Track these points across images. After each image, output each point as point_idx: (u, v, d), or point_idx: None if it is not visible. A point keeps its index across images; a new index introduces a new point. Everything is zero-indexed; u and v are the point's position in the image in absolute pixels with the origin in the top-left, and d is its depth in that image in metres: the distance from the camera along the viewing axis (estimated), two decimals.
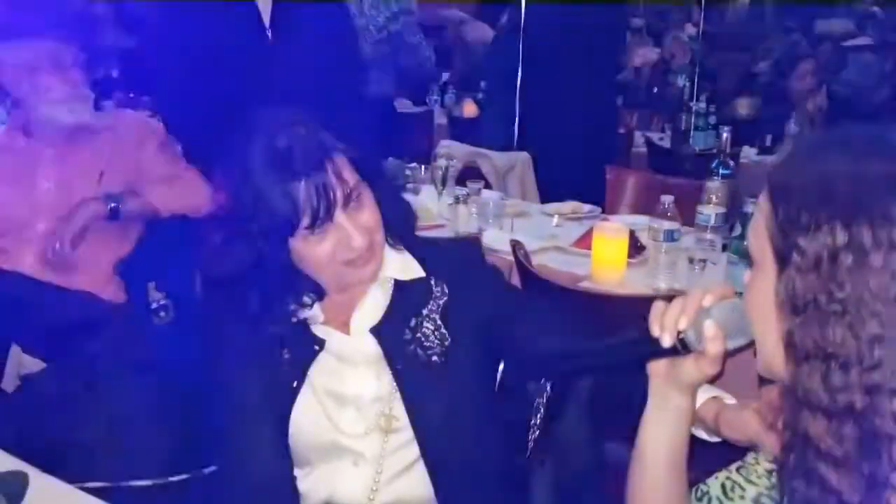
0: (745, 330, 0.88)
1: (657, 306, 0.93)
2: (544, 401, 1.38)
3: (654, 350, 0.93)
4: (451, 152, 3.70)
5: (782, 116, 4.90)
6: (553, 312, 1.42)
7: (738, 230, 2.10)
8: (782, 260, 0.79)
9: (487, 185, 3.59)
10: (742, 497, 0.99)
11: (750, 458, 1.03)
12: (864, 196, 0.75)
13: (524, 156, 3.65)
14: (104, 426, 1.88)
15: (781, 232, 0.79)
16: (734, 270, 2.10)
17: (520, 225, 2.87)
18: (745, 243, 0.90)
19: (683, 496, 1.01)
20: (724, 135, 2.62)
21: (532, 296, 1.48)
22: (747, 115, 5.14)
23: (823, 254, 0.76)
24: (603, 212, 3.10)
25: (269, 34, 2.39)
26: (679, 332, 0.91)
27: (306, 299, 1.32)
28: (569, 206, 3.09)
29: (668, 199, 2.28)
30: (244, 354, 1.34)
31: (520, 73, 3.98)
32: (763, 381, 0.95)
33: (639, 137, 4.98)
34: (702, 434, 1.23)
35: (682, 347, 0.91)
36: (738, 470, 1.02)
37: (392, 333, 1.34)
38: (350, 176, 1.24)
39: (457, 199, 2.79)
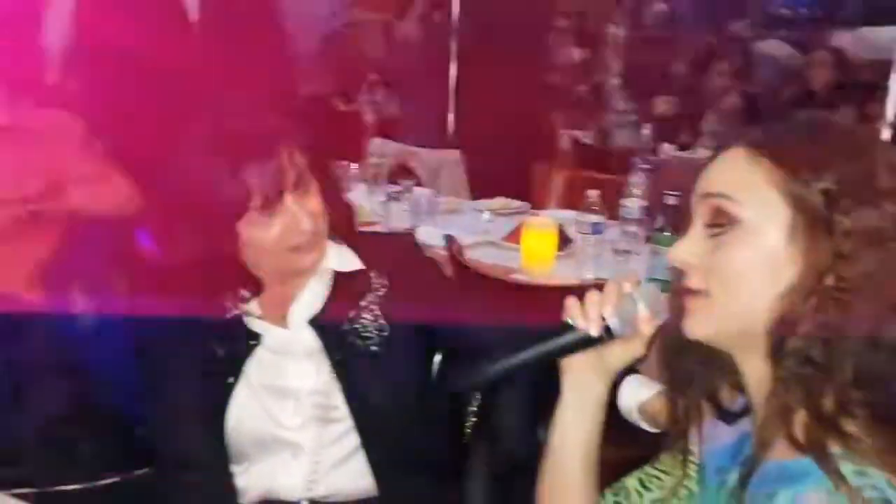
0: (662, 310, 0.93)
1: (572, 300, 0.96)
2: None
3: (579, 341, 0.95)
4: (383, 150, 3.73)
5: (698, 114, 5.09)
6: (486, 305, 1.46)
7: (660, 222, 2.19)
8: (805, 208, 0.79)
9: (419, 183, 3.64)
10: (661, 488, 1.04)
11: (662, 455, 1.06)
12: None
13: (455, 153, 3.70)
14: (31, 431, 1.83)
15: (797, 179, 0.79)
16: (656, 260, 2.19)
17: (452, 221, 2.92)
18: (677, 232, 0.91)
19: (595, 480, 1.03)
20: (646, 132, 2.71)
21: (466, 288, 1.51)
22: (665, 113, 5.32)
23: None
24: (532, 207, 3.17)
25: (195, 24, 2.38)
26: (603, 320, 0.94)
27: (243, 293, 1.32)
28: (498, 202, 3.15)
29: (593, 194, 2.36)
30: (176, 352, 1.33)
31: (452, 72, 4.04)
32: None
33: (564, 135, 5.09)
34: (644, 425, 1.28)
35: (607, 335, 0.94)
36: (652, 464, 1.07)
37: (330, 325, 1.35)
38: (300, 161, 1.25)
39: (389, 197, 2.82)
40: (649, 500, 1.05)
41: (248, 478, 1.36)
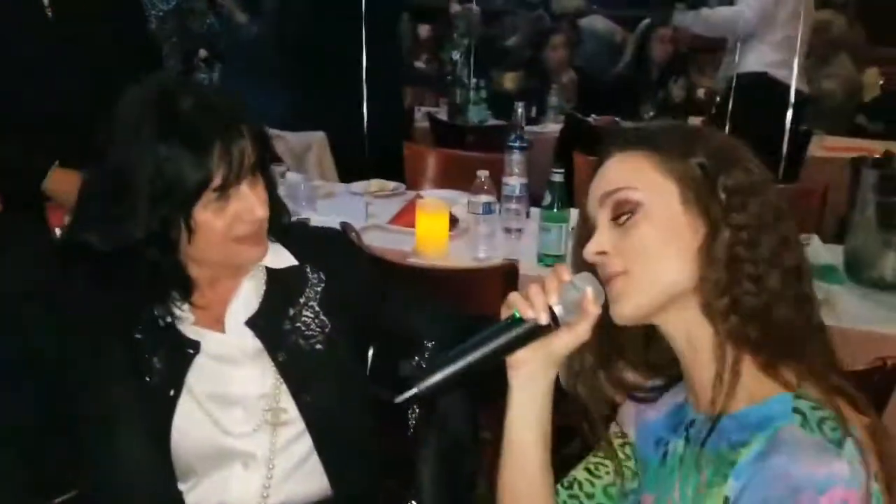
0: (601, 291, 0.97)
1: (515, 295, 0.98)
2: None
3: (528, 332, 0.97)
4: None
5: (543, 89, 5.30)
6: (421, 296, 1.48)
7: (548, 199, 2.28)
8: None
9: (280, 161, 3.54)
10: (608, 473, 1.10)
11: (603, 443, 1.11)
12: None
13: (320, 135, 3.63)
14: None
15: (674, 158, 0.94)
16: (547, 237, 2.28)
17: (331, 206, 2.87)
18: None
19: (552, 475, 1.07)
20: (519, 110, 2.80)
21: (399, 278, 1.52)
22: (513, 89, 5.49)
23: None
24: (407, 188, 3.19)
25: (50, 13, 2.18)
26: (549, 309, 0.97)
27: (175, 296, 1.26)
28: (375, 184, 3.14)
29: (483, 174, 2.41)
30: (109, 365, 1.25)
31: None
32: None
33: (420, 113, 5.13)
34: None
35: (554, 324, 0.97)
36: (594, 453, 1.13)
37: (270, 325, 1.32)
38: (256, 145, 1.21)
39: None
40: (601, 486, 1.11)
41: (197, 494, 1.30)
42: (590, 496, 1.10)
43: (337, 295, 1.36)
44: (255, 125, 1.23)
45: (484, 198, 2.31)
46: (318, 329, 1.34)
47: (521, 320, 0.97)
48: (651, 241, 0.92)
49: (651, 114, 4.82)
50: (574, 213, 2.58)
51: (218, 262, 1.26)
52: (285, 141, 3.54)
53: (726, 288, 0.90)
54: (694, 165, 0.93)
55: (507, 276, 1.89)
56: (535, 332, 0.97)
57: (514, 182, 2.62)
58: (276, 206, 1.31)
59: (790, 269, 0.91)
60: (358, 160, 3.61)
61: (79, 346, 1.25)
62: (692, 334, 0.94)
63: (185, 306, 1.27)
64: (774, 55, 3.99)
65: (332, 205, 2.90)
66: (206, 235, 1.20)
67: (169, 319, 1.26)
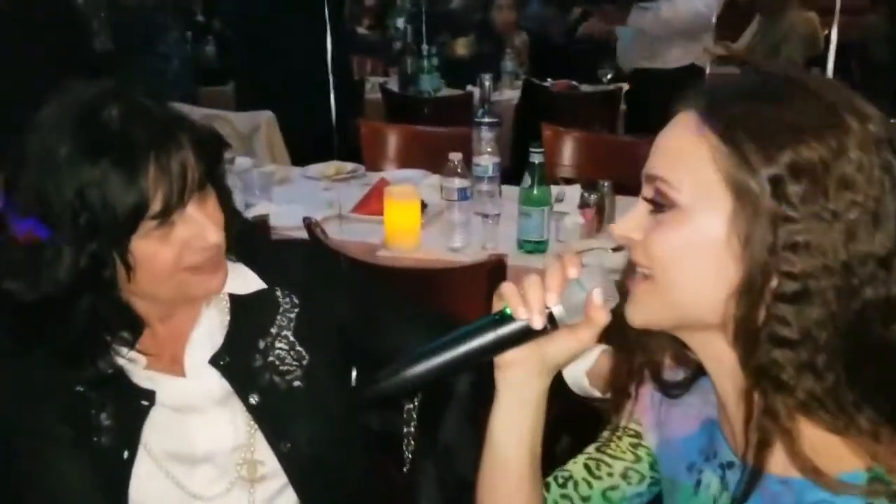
0: (614, 291, 0.82)
1: (508, 287, 0.83)
2: (415, 406, 1.26)
3: (518, 333, 0.82)
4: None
5: (496, 54, 5.10)
6: (406, 307, 1.30)
7: (527, 181, 2.12)
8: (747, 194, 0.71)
9: (227, 146, 3.30)
10: (610, 475, 0.98)
11: (606, 435, 1.01)
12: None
13: (268, 115, 3.39)
14: None
15: (745, 162, 0.71)
16: (528, 222, 2.12)
17: (289, 194, 2.67)
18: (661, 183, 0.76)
19: (539, 479, 0.95)
20: (486, 83, 2.62)
21: (387, 289, 1.32)
22: (466, 55, 5.29)
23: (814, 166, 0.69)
24: (366, 169, 2.99)
25: None
26: (546, 309, 0.82)
27: (123, 339, 1.05)
28: (332, 166, 2.94)
29: (456, 157, 2.23)
30: (50, 429, 1.05)
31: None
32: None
33: (370, 84, 4.90)
34: (595, 392, 1.20)
35: (550, 325, 0.82)
36: (597, 449, 1.00)
37: (239, 362, 1.12)
38: (201, 155, 1.00)
39: None
40: (600, 489, 0.98)
41: None
42: (585, 499, 0.98)
43: (313, 320, 1.18)
44: (198, 129, 1.02)
45: (458, 182, 2.13)
46: (294, 363, 1.15)
47: (511, 318, 0.81)
48: (676, 254, 0.75)
49: (609, 76, 4.66)
50: (555, 191, 2.43)
51: (168, 297, 1.06)
52: (230, 122, 3.29)
53: (763, 340, 0.72)
54: (764, 179, 0.70)
55: (494, 273, 1.72)
56: (527, 335, 0.82)
57: (486, 162, 2.45)
58: (234, 221, 1.10)
59: (859, 324, 0.70)
60: (309, 140, 3.39)
61: (12, 415, 1.06)
62: (722, 363, 0.78)
63: (132, 353, 1.07)
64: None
65: (288, 192, 2.69)
66: (150, 269, 1.00)
67: (117, 365, 1.06)
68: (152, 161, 0.95)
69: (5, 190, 1.00)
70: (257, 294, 1.16)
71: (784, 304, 0.70)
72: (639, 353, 0.88)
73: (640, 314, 0.80)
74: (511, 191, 2.56)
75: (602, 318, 0.81)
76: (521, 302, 0.81)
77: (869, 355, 0.71)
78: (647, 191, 0.78)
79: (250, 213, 2.21)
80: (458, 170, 2.19)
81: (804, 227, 0.69)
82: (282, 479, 1.13)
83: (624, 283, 0.82)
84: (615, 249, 2.15)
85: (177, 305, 1.10)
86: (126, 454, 1.06)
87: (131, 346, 1.06)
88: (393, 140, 3.20)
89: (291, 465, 1.12)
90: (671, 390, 0.91)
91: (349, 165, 2.96)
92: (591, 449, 1.01)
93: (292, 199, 2.58)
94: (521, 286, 0.82)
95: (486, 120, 2.56)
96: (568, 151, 3.12)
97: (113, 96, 0.98)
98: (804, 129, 0.70)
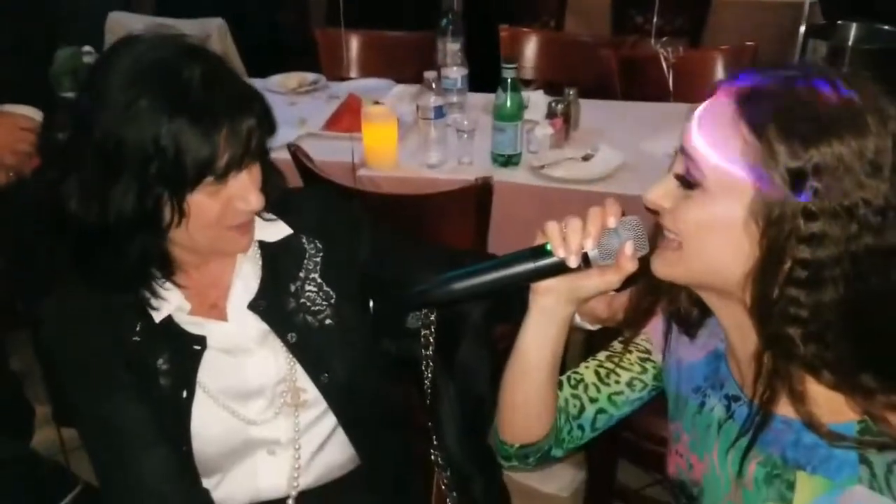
0: (645, 243, 0.93)
1: (552, 226, 0.93)
2: (432, 332, 1.37)
3: (554, 267, 0.93)
4: (127, 26, 3.18)
5: None
6: (414, 238, 1.38)
7: (500, 96, 2.16)
8: (765, 180, 0.77)
9: None
10: (617, 382, 1.11)
11: (617, 346, 1.14)
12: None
13: (219, 22, 3.26)
14: None
15: (772, 157, 0.77)
16: (501, 136, 2.19)
17: None
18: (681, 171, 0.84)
19: (555, 386, 1.07)
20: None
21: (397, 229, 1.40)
22: None
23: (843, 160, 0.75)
24: (327, 78, 2.96)
25: None
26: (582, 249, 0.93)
27: (159, 275, 1.14)
28: (293, 78, 2.90)
29: (431, 76, 2.24)
30: (113, 377, 1.13)
31: None
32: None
33: None
34: (585, 325, 1.33)
35: (584, 265, 0.93)
36: (608, 358, 1.13)
37: (275, 306, 1.21)
38: (264, 125, 1.08)
39: None
40: (607, 394, 1.12)
41: (224, 489, 1.23)
42: (593, 400, 1.11)
43: (336, 262, 1.26)
44: (264, 101, 1.09)
45: (434, 100, 2.16)
46: (324, 302, 1.24)
47: (550, 253, 0.92)
48: (698, 230, 0.84)
49: None
50: (533, 98, 2.48)
51: (203, 247, 1.14)
52: (178, 31, 3.17)
53: (776, 315, 0.80)
54: (786, 171, 0.76)
55: (482, 195, 1.81)
56: (562, 269, 0.93)
57: (455, 75, 2.48)
58: (271, 180, 1.16)
59: (866, 306, 0.79)
60: (262, 46, 3.30)
61: (82, 358, 1.14)
62: (738, 322, 0.88)
63: (175, 292, 1.15)
64: None
65: None
66: (196, 220, 1.07)
67: (163, 313, 1.14)
68: (226, 124, 1.01)
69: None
70: (285, 242, 1.24)
71: (796, 288, 0.78)
72: (663, 294, 1.00)
73: (665, 270, 0.90)
74: (473, 97, 2.61)
75: (630, 266, 0.92)
76: (562, 242, 0.91)
77: (874, 331, 0.80)
78: (678, 166, 0.86)
79: None
80: (433, 86, 2.21)
81: (820, 222, 0.76)
82: (322, 405, 1.24)
83: (654, 237, 0.92)
84: (585, 158, 2.26)
85: (209, 256, 1.18)
86: (185, 394, 1.15)
87: (166, 280, 1.14)
88: (352, 47, 3.15)
89: (329, 393, 1.23)
90: (689, 328, 1.02)
91: (310, 76, 2.92)
92: (602, 356, 1.14)
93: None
94: (564, 224, 0.92)
95: (451, 28, 2.56)
96: (527, 53, 3.14)
97: (193, 56, 1.03)
98: (828, 130, 0.76)
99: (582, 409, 1.11)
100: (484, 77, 2.59)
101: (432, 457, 1.36)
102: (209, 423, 1.18)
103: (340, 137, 2.36)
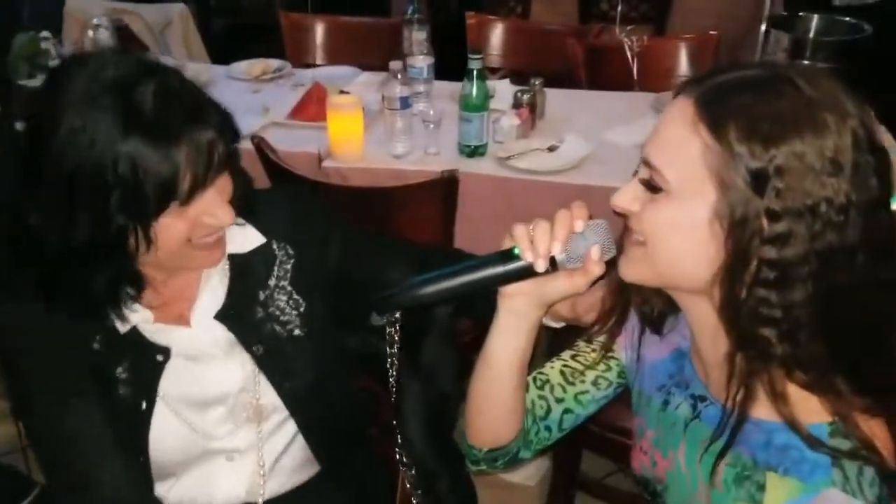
0: (612, 246, 0.94)
1: (520, 230, 0.93)
2: (396, 329, 1.36)
3: (522, 271, 0.93)
4: (86, 11, 3.11)
5: None
6: (385, 236, 1.37)
7: (466, 87, 2.15)
8: (728, 186, 0.78)
9: (143, 48, 3.14)
10: (583, 381, 1.12)
11: (582, 345, 1.14)
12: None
13: (180, 7, 3.20)
14: None
15: (732, 159, 0.78)
16: (468, 127, 2.18)
17: (218, 99, 2.57)
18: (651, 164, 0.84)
19: (524, 390, 1.07)
20: None
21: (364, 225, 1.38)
22: None
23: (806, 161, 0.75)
24: (293, 65, 2.92)
25: None
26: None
27: (128, 294, 1.10)
28: (257, 65, 2.85)
29: (396, 66, 2.22)
30: (70, 383, 1.10)
31: None
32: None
33: None
34: (549, 323, 1.33)
35: (551, 268, 0.92)
36: (573, 357, 1.14)
37: (242, 317, 1.19)
38: (223, 136, 1.03)
39: None
40: (573, 393, 1.12)
41: (178, 492, 1.21)
42: (559, 400, 1.12)
43: (307, 268, 1.24)
44: (221, 109, 1.05)
45: (400, 90, 2.14)
46: (293, 311, 1.22)
47: (518, 257, 0.92)
48: (663, 234, 0.84)
49: None
50: (499, 88, 2.47)
51: (172, 266, 1.11)
52: (140, 17, 3.11)
53: (746, 316, 0.80)
54: (748, 172, 0.77)
55: (448, 188, 1.80)
56: (530, 273, 0.93)
57: (421, 64, 2.46)
58: (240, 186, 1.12)
59: (835, 304, 0.79)
60: (227, 31, 3.24)
61: (36, 368, 1.11)
62: (707, 323, 0.88)
63: (138, 307, 1.12)
64: None
65: (216, 97, 2.55)
66: (164, 243, 1.03)
67: (127, 325, 1.11)
68: (185, 140, 0.96)
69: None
70: (256, 248, 1.21)
71: (766, 289, 0.78)
72: (634, 294, 1.00)
73: (632, 273, 0.91)
74: (439, 86, 2.59)
75: (598, 270, 0.93)
76: (530, 246, 0.91)
77: (843, 328, 0.80)
78: (643, 172, 0.87)
79: None
80: (398, 75, 2.20)
81: (784, 222, 0.76)
82: (283, 413, 1.22)
83: (622, 240, 0.93)
84: (550, 149, 2.26)
85: (176, 272, 1.15)
86: (144, 404, 1.13)
87: (135, 300, 1.10)
88: (317, 33, 3.11)
89: (292, 402, 1.21)
90: (658, 327, 1.03)
91: (274, 62, 2.88)
92: (566, 356, 1.14)
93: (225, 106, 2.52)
94: (532, 229, 0.92)
95: (416, 17, 2.54)
96: (493, 40, 3.13)
97: (147, 73, 0.98)
98: (788, 129, 0.76)
99: (549, 410, 1.11)
100: (451, 64, 2.58)
101: (397, 455, 1.36)
102: (168, 434, 1.16)
103: (305, 127, 2.34)
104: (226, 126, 1.04)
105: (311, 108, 2.37)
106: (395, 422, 1.35)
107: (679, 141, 0.82)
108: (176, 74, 1.02)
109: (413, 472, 1.33)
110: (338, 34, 3.11)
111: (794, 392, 0.83)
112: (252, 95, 2.65)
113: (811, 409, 0.83)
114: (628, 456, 1.37)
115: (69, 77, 0.99)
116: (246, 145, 2.06)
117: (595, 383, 1.12)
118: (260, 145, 1.95)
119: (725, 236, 0.79)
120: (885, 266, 0.80)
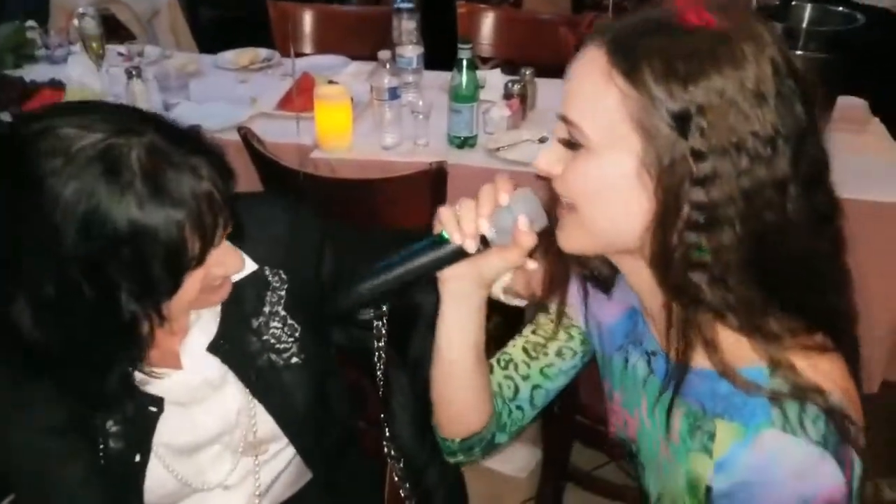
0: (542, 214, 0.89)
1: (445, 213, 0.90)
2: (384, 323, 1.35)
3: (454, 254, 0.90)
4: (73, 0, 3.07)
5: None
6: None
7: (456, 77, 2.13)
8: (652, 134, 0.75)
9: (130, 37, 3.11)
10: (546, 354, 1.10)
11: (541, 319, 1.12)
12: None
13: None
14: None
15: (652, 103, 0.74)
16: (458, 118, 2.16)
17: (205, 89, 2.57)
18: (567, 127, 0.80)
19: (486, 375, 1.05)
20: None
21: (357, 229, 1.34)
22: None
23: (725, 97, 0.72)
24: (281, 55, 2.89)
25: None
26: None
27: (133, 360, 1.01)
28: (245, 55, 2.83)
29: (385, 56, 2.20)
30: (49, 446, 1.03)
31: None
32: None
33: None
34: (513, 301, 1.31)
35: (483, 246, 0.90)
36: (534, 332, 1.11)
37: (235, 346, 1.12)
38: (219, 181, 0.93)
39: (129, 74, 2.36)
40: (538, 368, 1.10)
41: None
42: (525, 378, 1.10)
43: (301, 290, 1.19)
44: (210, 147, 0.94)
45: (388, 81, 2.12)
46: (289, 338, 1.16)
47: (447, 240, 0.89)
48: (590, 190, 0.80)
49: None
50: (489, 78, 2.45)
51: (176, 317, 1.01)
52: (127, 7, 3.07)
53: (678, 263, 0.78)
54: (670, 116, 0.73)
55: (436, 180, 1.79)
56: (462, 255, 0.90)
57: (410, 54, 2.44)
58: (237, 218, 1.01)
59: (764, 243, 0.76)
60: (220, 24, 3.21)
61: (13, 444, 1.04)
62: (644, 278, 0.85)
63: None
64: None
65: (203, 87, 2.59)
66: (177, 307, 0.96)
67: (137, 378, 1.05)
68: (186, 205, 0.88)
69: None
70: (249, 276, 1.13)
71: (695, 232, 0.75)
72: (573, 260, 0.98)
73: (569, 242, 0.88)
74: (429, 76, 2.57)
75: (528, 241, 0.89)
76: (457, 228, 0.88)
77: (775, 269, 0.78)
78: (560, 131, 0.83)
79: (173, 116, 2.15)
80: (387, 66, 2.17)
81: (711, 161, 0.73)
82: (282, 441, 1.19)
83: (553, 210, 0.89)
84: (541, 140, 2.24)
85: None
86: (138, 457, 1.08)
87: (140, 369, 1.03)
88: (305, 22, 3.08)
89: (289, 427, 1.17)
90: (604, 288, 1.01)
91: (263, 52, 2.85)
92: (527, 331, 1.12)
93: (210, 96, 2.50)
94: (457, 209, 0.89)
95: (406, 6, 2.51)
96: (484, 30, 3.10)
97: (128, 135, 0.88)
98: (705, 65, 0.73)
99: (517, 389, 1.09)
100: (441, 54, 2.55)
101: (385, 448, 1.35)
102: (163, 481, 1.12)
103: (293, 118, 2.31)
104: (220, 170, 0.93)
105: (299, 99, 2.34)
106: (382, 415, 1.34)
107: (594, 92, 0.78)
108: (157, 124, 0.91)
109: (401, 465, 1.32)
110: (327, 23, 3.08)
111: (730, 337, 0.81)
112: (240, 85, 2.63)
113: (748, 353, 0.80)
114: (618, 448, 1.35)
115: (42, 154, 0.86)
116: (233, 136, 2.04)
117: (559, 354, 1.10)
118: (247, 136, 1.93)
119: (655, 185, 0.76)
120: (818, 198, 0.78)
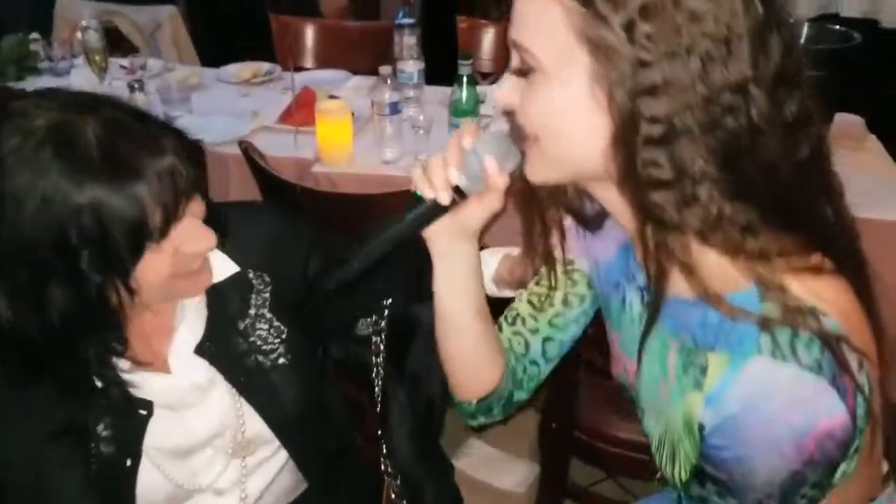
0: (513, 152, 0.87)
1: (416, 171, 0.88)
2: (382, 339, 1.35)
3: (431, 211, 0.89)
4: (73, 11, 3.10)
5: None
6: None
7: (456, 92, 2.15)
8: (602, 48, 0.71)
9: (133, 50, 3.13)
10: (552, 305, 1.07)
11: (543, 270, 1.07)
12: None
13: (170, 9, 3.18)
14: None
15: (594, 14, 0.71)
16: None
17: (207, 102, 2.58)
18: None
19: (492, 330, 1.03)
20: None
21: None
22: None
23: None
24: (283, 69, 2.91)
25: None
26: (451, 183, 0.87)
27: (114, 350, 1.03)
28: (247, 68, 2.85)
29: (386, 71, 2.21)
30: (43, 450, 1.04)
31: None
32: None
33: None
34: (507, 293, 1.30)
35: (459, 197, 0.88)
36: (538, 283, 1.09)
37: (223, 348, 1.12)
38: (184, 159, 0.95)
39: (131, 87, 2.37)
40: (545, 320, 1.08)
41: None
42: (534, 331, 1.08)
43: (286, 293, 1.19)
44: (175, 129, 0.98)
45: (389, 96, 2.13)
46: (276, 340, 1.17)
47: (422, 198, 0.88)
48: (547, 115, 0.77)
49: None
50: (490, 93, 2.46)
51: (155, 301, 1.04)
52: (128, 19, 3.09)
53: (642, 183, 0.73)
54: (617, 27, 0.69)
55: None
56: (441, 210, 0.88)
57: (411, 69, 2.45)
58: (213, 212, 1.05)
59: (729, 152, 0.71)
60: (222, 38, 3.23)
61: (6, 447, 1.04)
62: (619, 208, 0.82)
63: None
64: None
65: (205, 100, 2.61)
66: (148, 284, 0.97)
67: (104, 377, 1.05)
68: (144, 176, 0.90)
69: None
70: (231, 278, 1.15)
71: (653, 147, 0.71)
72: (547, 202, 0.95)
73: (537, 173, 0.85)
74: (430, 91, 2.58)
75: (500, 182, 0.87)
76: (427, 183, 0.87)
77: (749, 181, 0.73)
78: (514, 60, 0.80)
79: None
80: (388, 81, 2.19)
81: (661, 68, 0.69)
82: (274, 444, 1.19)
83: (520, 145, 0.86)
84: None
85: (156, 305, 1.08)
86: (129, 462, 1.08)
87: (122, 354, 1.04)
88: (307, 36, 3.10)
89: (281, 431, 1.17)
90: (591, 225, 0.99)
91: (265, 66, 2.87)
92: (532, 284, 1.10)
93: (212, 109, 2.51)
94: (426, 166, 0.88)
95: (407, 22, 2.53)
96: (485, 45, 3.12)
97: (81, 111, 0.90)
98: None
99: (527, 344, 1.07)
100: (442, 69, 2.57)
101: (382, 465, 1.35)
102: (155, 485, 1.12)
103: (294, 132, 2.32)
104: (184, 146, 0.96)
105: (300, 113, 2.35)
106: (380, 431, 1.34)
107: (538, 11, 0.75)
108: (114, 104, 0.95)
109: (398, 481, 1.32)
110: (328, 38, 3.10)
111: (716, 261, 0.77)
112: (242, 99, 2.64)
113: (734, 277, 0.76)
114: (616, 464, 1.33)
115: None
116: (234, 150, 2.05)
117: (565, 302, 1.07)
118: (248, 150, 1.93)
119: (608, 101, 0.72)
120: (787, 100, 0.73)
